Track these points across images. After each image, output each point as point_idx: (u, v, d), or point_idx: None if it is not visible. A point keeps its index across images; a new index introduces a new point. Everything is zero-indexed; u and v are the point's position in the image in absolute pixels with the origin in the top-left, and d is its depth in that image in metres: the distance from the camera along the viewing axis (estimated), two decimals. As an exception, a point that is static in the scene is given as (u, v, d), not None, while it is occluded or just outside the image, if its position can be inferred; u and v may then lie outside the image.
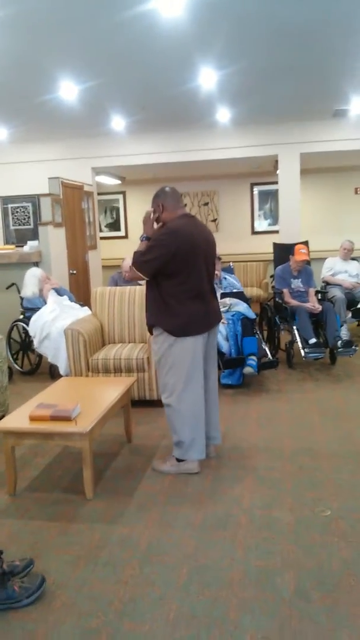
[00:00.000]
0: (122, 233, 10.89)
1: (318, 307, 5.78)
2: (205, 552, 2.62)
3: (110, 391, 3.74)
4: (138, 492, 3.25)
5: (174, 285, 3.31)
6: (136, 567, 2.53)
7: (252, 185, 10.47)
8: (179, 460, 3.48)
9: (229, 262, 7.19)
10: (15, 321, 6.04)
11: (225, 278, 6.13)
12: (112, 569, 2.52)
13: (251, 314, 5.54)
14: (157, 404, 4.68)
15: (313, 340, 5.54)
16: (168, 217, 3.41)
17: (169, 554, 2.62)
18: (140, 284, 5.22)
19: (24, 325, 5.81)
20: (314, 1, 3.67)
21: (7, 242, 7.19)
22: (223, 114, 6.86)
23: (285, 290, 6.09)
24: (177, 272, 3.27)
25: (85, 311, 5.64)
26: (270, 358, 5.40)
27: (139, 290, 5.25)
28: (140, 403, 4.66)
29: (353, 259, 7.20)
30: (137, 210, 10.65)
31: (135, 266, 3.35)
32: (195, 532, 2.80)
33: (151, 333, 3.51)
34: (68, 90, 5.34)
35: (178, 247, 3.24)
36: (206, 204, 10.55)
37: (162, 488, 3.28)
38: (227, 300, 5.63)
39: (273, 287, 6.53)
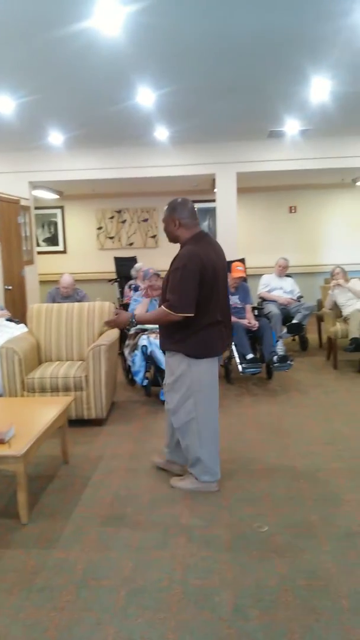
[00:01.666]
0: (60, 248, 10.75)
1: (255, 324, 5.89)
2: (143, 574, 2.59)
3: (46, 411, 3.66)
4: (75, 514, 3.18)
5: (199, 311, 3.14)
6: (73, 592, 2.47)
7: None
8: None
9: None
10: None
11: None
12: (47, 595, 2.45)
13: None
14: (94, 423, 4.62)
15: (250, 356, 5.63)
16: (184, 235, 3.24)
17: (106, 577, 2.58)
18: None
19: None
20: (248, 25, 3.78)
21: None
22: (161, 133, 6.94)
23: (223, 307, 6.17)
24: (206, 296, 3.14)
25: (21, 328, 5.51)
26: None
27: (78, 307, 5.19)
28: (78, 422, 4.58)
29: (288, 275, 7.41)
30: (75, 224, 10.58)
31: (176, 310, 3.08)
32: (134, 553, 2.77)
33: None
34: (4, 104, 5.26)
35: (203, 270, 3.09)
36: (145, 220, 10.59)
37: (100, 510, 3.22)
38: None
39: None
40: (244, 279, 6.35)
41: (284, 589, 2.44)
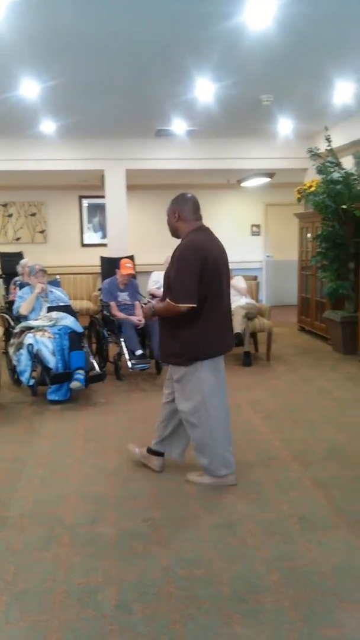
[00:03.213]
0: None
1: (142, 321, 5.93)
2: (25, 576, 2.53)
3: None
4: None
5: (201, 304, 3.10)
6: None
7: (81, 197, 10.47)
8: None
9: (56, 274, 7.10)
10: None
11: (51, 291, 6.02)
12: None
13: (79, 328, 5.50)
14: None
15: (139, 352, 5.67)
16: (183, 228, 3.22)
17: (-14, 584, 2.49)
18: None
19: None
20: (133, 26, 3.80)
21: None
22: (47, 126, 6.78)
23: (112, 304, 6.17)
24: (207, 288, 3.10)
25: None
26: (99, 371, 5.43)
27: None
28: None
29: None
30: None
31: (178, 301, 3.06)
32: (16, 556, 2.70)
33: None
34: None
35: (203, 261, 3.07)
36: (33, 214, 10.32)
37: (-19, 514, 3.11)
38: (54, 314, 5.53)
39: (101, 300, 6.58)
40: (133, 276, 6.38)
41: (167, 581, 2.49)
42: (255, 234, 11.15)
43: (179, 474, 3.58)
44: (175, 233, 3.32)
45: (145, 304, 3.42)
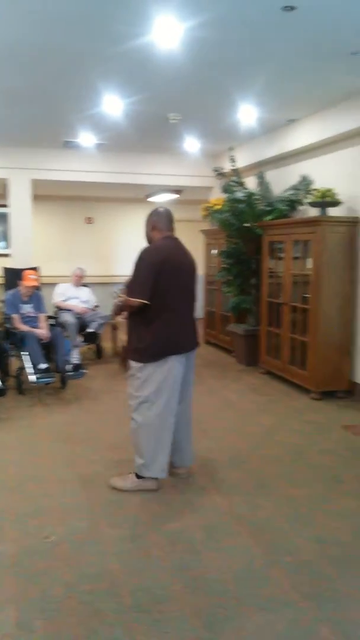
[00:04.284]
0: None
1: (45, 335, 5.81)
2: None
3: None
4: None
5: (159, 305, 3.29)
6: None
7: (-17, 206, 10.14)
8: (138, 477, 3.44)
9: None
10: None
11: None
12: None
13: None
14: None
15: (43, 366, 5.55)
16: (155, 237, 3.50)
17: None
18: None
19: None
20: (44, 31, 3.77)
21: None
22: None
23: (15, 316, 5.99)
24: (165, 290, 3.28)
25: None
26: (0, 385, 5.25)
27: None
28: None
29: (84, 285, 7.47)
30: None
31: (131, 295, 3.31)
32: None
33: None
34: None
35: (162, 263, 3.29)
36: None
37: None
38: None
39: (3, 312, 6.38)
40: (37, 288, 6.25)
41: (69, 596, 2.44)
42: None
43: (81, 488, 3.53)
44: (149, 241, 3.59)
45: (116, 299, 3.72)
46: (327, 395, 5.63)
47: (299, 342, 5.92)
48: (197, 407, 5.31)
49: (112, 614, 2.33)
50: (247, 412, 5.22)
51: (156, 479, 3.47)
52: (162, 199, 9.82)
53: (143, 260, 3.36)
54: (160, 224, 3.52)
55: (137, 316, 3.38)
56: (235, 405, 5.46)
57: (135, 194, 10.06)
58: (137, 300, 3.30)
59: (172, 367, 3.36)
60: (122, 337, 6.58)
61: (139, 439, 3.44)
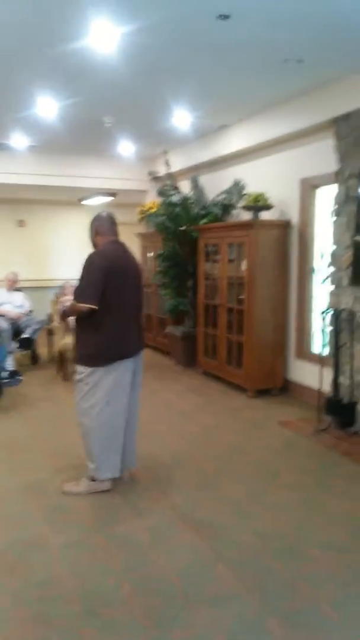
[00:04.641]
0: None
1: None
2: None
3: None
4: None
5: (107, 309, 3.29)
6: None
7: None
8: (92, 480, 3.48)
9: None
10: None
11: None
12: None
13: None
14: None
15: (-22, 373, 5.41)
16: (99, 242, 3.50)
17: None
18: None
19: None
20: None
21: None
22: None
23: None
24: (113, 294, 3.29)
25: None
26: None
27: None
28: None
29: (17, 289, 7.33)
30: None
31: (79, 300, 3.30)
32: None
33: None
34: None
35: (110, 268, 3.30)
36: None
37: None
38: None
39: None
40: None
41: (17, 606, 2.41)
42: (97, 251, 11.19)
43: (24, 496, 3.48)
44: (94, 246, 3.59)
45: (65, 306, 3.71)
46: (263, 393, 5.79)
47: (235, 342, 6.05)
48: (139, 409, 5.36)
49: (63, 620, 2.32)
50: (186, 413, 5.29)
51: (109, 479, 3.52)
52: (96, 202, 9.76)
53: (91, 265, 3.36)
54: (103, 228, 3.54)
55: (85, 321, 3.37)
56: (175, 405, 5.52)
57: (69, 197, 9.95)
58: (85, 306, 3.29)
59: (122, 371, 3.41)
60: (59, 342, 6.51)
61: (89, 443, 3.46)
